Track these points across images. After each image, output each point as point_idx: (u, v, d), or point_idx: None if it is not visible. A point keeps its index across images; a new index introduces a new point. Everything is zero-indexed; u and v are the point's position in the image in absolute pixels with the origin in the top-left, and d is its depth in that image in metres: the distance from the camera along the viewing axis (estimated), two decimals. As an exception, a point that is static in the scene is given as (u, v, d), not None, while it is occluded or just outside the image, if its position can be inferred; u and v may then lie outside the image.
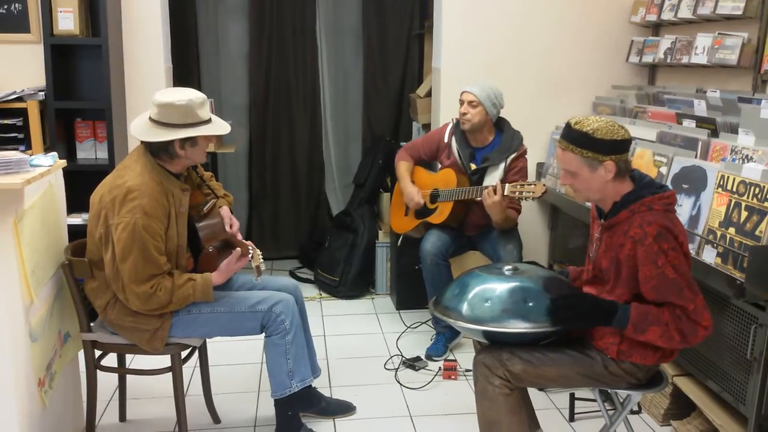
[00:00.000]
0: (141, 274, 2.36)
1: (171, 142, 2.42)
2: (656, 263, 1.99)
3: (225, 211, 2.74)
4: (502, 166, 3.40)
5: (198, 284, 2.47)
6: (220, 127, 2.50)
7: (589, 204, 3.32)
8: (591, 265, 2.26)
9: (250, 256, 2.55)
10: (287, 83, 5.11)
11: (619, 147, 2.05)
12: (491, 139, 3.49)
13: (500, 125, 3.52)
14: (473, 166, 3.46)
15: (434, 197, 3.52)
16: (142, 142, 2.48)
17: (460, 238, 3.56)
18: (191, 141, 2.44)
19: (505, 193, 3.09)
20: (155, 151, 2.46)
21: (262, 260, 2.55)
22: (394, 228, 3.85)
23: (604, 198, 2.14)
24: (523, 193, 3.00)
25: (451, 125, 3.59)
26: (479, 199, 3.25)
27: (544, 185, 2.97)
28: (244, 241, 2.63)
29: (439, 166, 3.63)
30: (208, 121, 2.47)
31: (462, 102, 3.43)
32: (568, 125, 2.10)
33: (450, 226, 3.51)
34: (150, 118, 2.44)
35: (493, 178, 3.39)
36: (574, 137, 2.07)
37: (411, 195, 3.57)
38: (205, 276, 2.50)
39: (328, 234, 4.77)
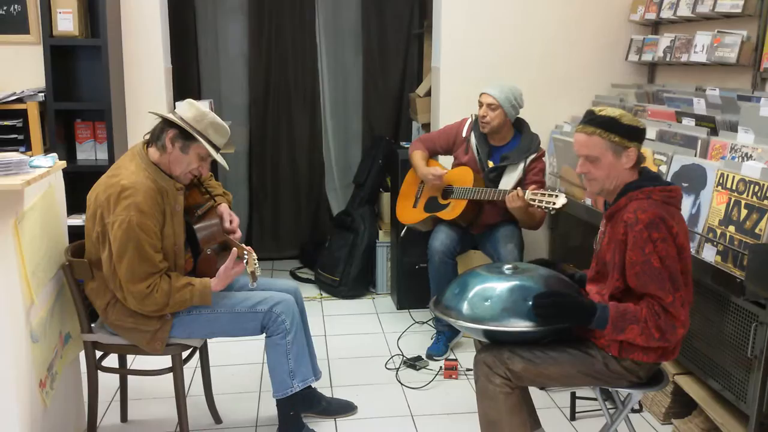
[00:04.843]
0: (137, 272, 2.36)
1: (166, 130, 2.44)
2: (643, 250, 2.00)
3: (224, 208, 2.74)
4: (521, 166, 3.37)
5: (196, 289, 2.47)
6: (218, 154, 2.50)
7: (589, 202, 3.33)
8: (594, 261, 2.26)
9: (244, 261, 2.52)
10: (287, 83, 5.11)
11: (641, 135, 2.12)
12: (510, 138, 3.47)
13: (519, 125, 3.49)
14: (491, 164, 3.44)
15: (447, 193, 3.49)
16: (143, 140, 2.52)
17: (465, 236, 3.55)
18: (183, 144, 2.45)
19: (526, 198, 3.02)
20: (154, 135, 2.48)
21: (257, 265, 2.51)
22: (399, 218, 3.76)
23: (616, 189, 2.16)
24: (543, 203, 2.88)
25: (470, 121, 3.55)
26: (493, 199, 3.24)
27: (565, 197, 2.85)
28: (242, 245, 2.62)
29: (453, 162, 3.60)
30: (215, 147, 2.49)
31: (481, 104, 3.39)
32: (591, 112, 2.14)
33: (459, 224, 3.50)
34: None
35: (511, 177, 3.36)
36: (600, 122, 2.10)
37: (429, 170, 3.47)
38: (204, 281, 2.50)
39: (329, 234, 4.77)
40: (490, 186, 3.36)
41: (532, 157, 3.39)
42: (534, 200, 2.95)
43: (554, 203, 2.85)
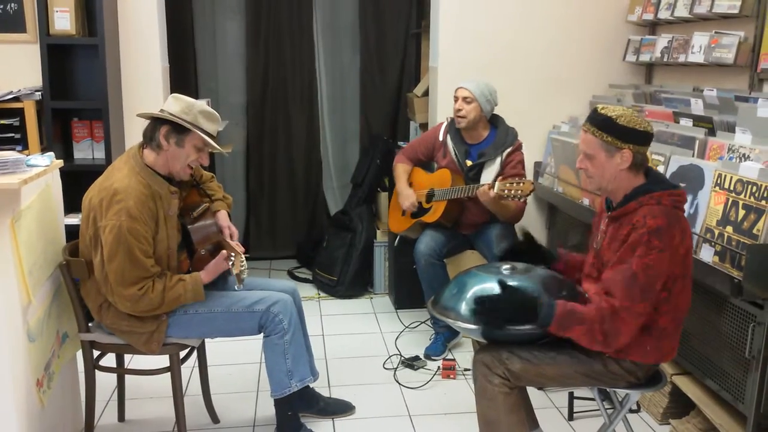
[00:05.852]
0: (127, 277, 2.36)
1: (158, 128, 2.42)
2: (634, 251, 2.01)
3: (224, 218, 2.72)
4: (498, 160, 3.41)
5: (188, 284, 2.46)
6: (214, 143, 2.47)
7: (587, 202, 3.33)
8: (593, 257, 2.26)
9: (230, 263, 2.48)
10: (284, 82, 5.10)
11: (639, 137, 2.09)
12: (486, 135, 3.50)
13: (494, 121, 3.53)
14: (469, 163, 3.46)
15: (430, 197, 3.53)
16: (139, 143, 2.51)
17: (455, 237, 3.57)
18: (177, 138, 2.43)
19: (495, 191, 3.09)
20: (147, 136, 2.47)
21: (243, 267, 2.47)
22: (391, 228, 3.86)
23: (616, 189, 2.16)
24: (512, 191, 3.02)
25: (445, 124, 3.60)
26: (473, 196, 3.26)
27: (531, 183, 3.00)
28: (235, 246, 2.60)
29: (436, 166, 3.64)
30: (209, 136, 2.46)
31: (456, 98, 3.44)
32: (594, 110, 2.15)
33: (444, 225, 3.52)
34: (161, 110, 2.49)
35: (489, 172, 3.40)
36: (597, 120, 2.11)
37: (406, 196, 3.59)
38: (195, 276, 2.50)
39: (326, 233, 4.77)
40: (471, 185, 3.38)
41: (509, 150, 3.42)
42: (503, 191, 3.04)
43: (521, 190, 2.99)
